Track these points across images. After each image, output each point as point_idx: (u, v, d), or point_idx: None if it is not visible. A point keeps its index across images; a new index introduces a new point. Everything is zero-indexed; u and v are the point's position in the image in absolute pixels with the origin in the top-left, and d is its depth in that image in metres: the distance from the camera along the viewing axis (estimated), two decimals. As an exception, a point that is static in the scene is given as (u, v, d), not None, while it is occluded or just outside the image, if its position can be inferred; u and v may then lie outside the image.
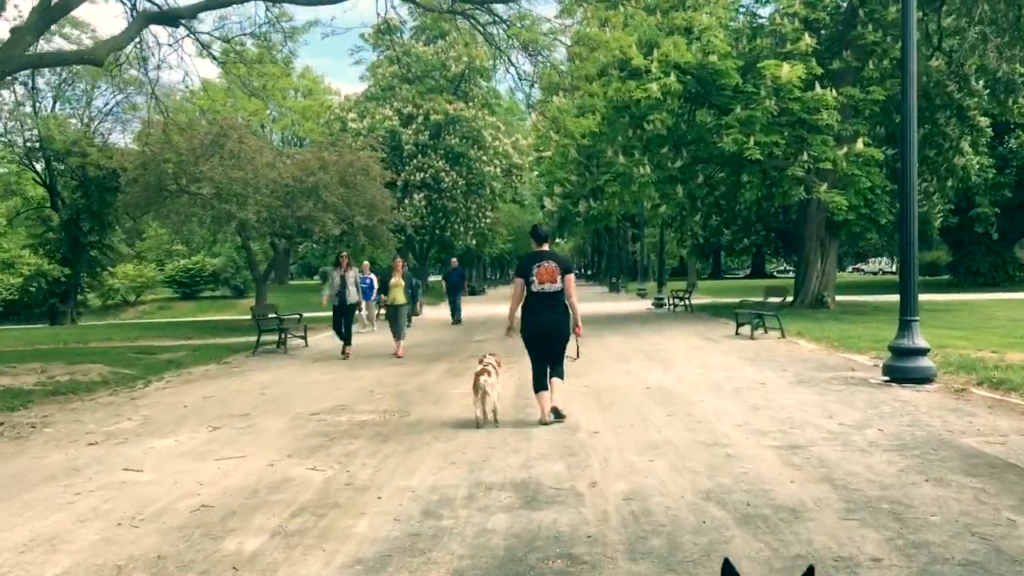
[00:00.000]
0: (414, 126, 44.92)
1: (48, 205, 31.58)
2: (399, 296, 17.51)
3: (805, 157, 21.47)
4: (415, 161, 44.31)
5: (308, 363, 15.45)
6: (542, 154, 24.43)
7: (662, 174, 22.55)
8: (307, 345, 18.61)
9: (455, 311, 26.15)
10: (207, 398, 11.22)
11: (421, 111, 44.97)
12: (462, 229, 46.56)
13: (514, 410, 9.55)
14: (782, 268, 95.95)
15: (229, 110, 55.39)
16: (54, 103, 31.17)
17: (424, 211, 44.87)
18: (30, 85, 30.45)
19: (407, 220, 43.12)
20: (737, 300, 34.11)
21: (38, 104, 30.98)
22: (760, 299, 20.50)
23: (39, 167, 30.93)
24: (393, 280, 17.80)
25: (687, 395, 10.11)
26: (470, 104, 45.75)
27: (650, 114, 21.52)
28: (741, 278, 79.26)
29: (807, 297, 24.71)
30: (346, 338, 16.99)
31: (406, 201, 43.99)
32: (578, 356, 10.86)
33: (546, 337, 8.46)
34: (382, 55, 46.71)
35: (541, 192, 51.26)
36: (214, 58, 21.31)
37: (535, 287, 8.32)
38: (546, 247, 8.60)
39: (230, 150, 25.39)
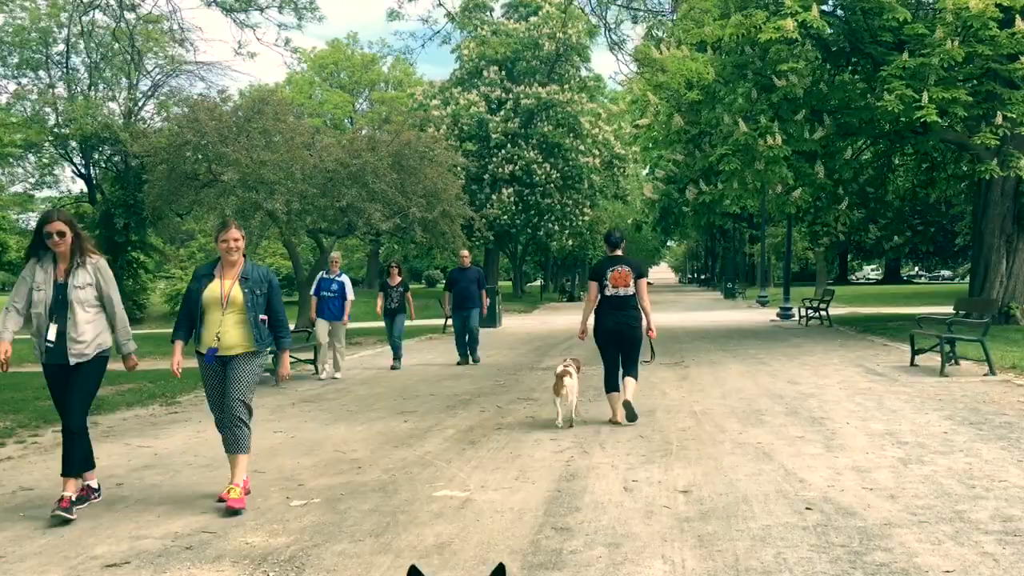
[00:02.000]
0: (503, 112, 40.28)
1: (87, 199, 28.34)
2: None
3: (999, 120, 15.69)
4: (503, 152, 39.64)
5: (282, 406, 10.81)
6: (637, 123, 19.16)
7: (796, 147, 17.08)
8: (317, 372, 14.06)
9: (464, 345, 15.55)
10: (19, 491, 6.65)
11: (510, 96, 40.28)
12: (556, 228, 41.58)
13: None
14: (913, 273, 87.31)
15: (315, 105, 52.21)
16: (91, 86, 27.88)
17: (514, 208, 40.14)
18: (64, 65, 27.17)
19: (494, 217, 38.63)
20: (882, 311, 28.28)
21: (74, 87, 27.70)
22: (928, 312, 14.82)
23: (77, 158, 27.69)
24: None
25: (907, 540, 4.80)
26: (565, 87, 40.74)
27: (782, 65, 16.13)
28: (873, 284, 71.51)
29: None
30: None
31: (493, 197, 39.40)
32: (653, 357, 10.05)
33: (619, 339, 8.65)
34: (470, 35, 42.25)
35: (640, 177, 45.79)
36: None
37: (609, 291, 8.54)
38: (619, 252, 8.73)
39: (262, 129, 21.20)
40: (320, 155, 21.08)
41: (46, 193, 29.17)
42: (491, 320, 26.27)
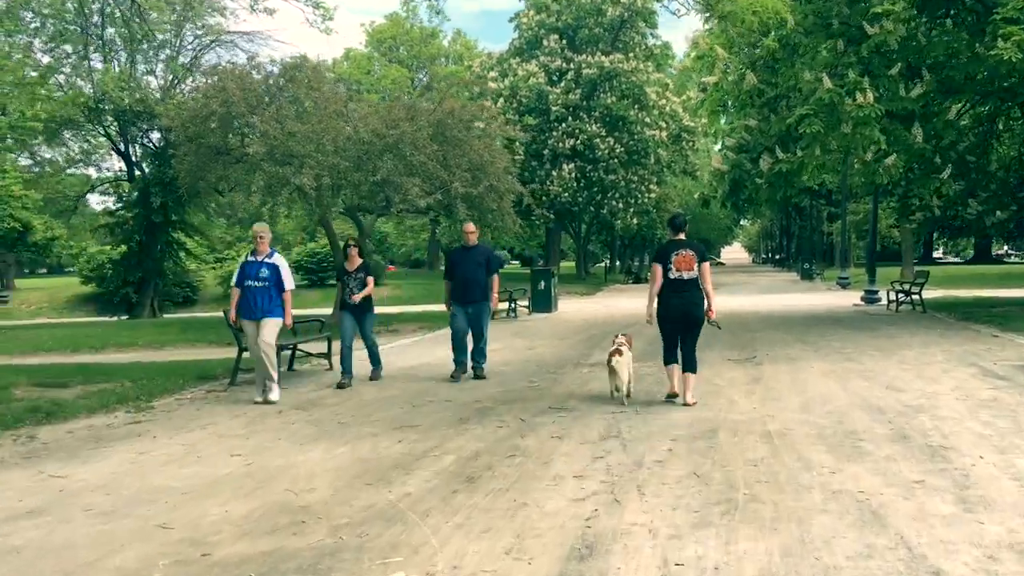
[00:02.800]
0: (563, 84, 38.09)
1: (125, 177, 27.20)
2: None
3: None
4: (564, 125, 37.49)
5: (265, 415, 9.05)
6: (704, 82, 16.90)
7: (890, 106, 14.68)
8: (331, 368, 12.33)
9: (464, 350, 11.41)
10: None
11: (571, 66, 38.05)
12: (621, 206, 39.29)
13: None
14: (1002, 252, 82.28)
15: (373, 81, 50.68)
16: (128, 58, 26.65)
17: (575, 184, 38.00)
18: (99, 36, 25.91)
19: (554, 195, 36.62)
20: (980, 294, 25.38)
21: (111, 58, 26.50)
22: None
23: (116, 135, 26.51)
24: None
25: None
26: (630, 56, 38.31)
27: (875, 7, 13.76)
28: (962, 264, 67.33)
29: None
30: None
31: (554, 173, 37.33)
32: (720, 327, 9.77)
33: (682, 321, 8.68)
34: (530, 2, 40.09)
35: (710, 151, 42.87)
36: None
37: (672, 274, 8.57)
38: (683, 236, 8.85)
39: (293, 97, 19.57)
40: (355, 125, 19.35)
41: (85, 172, 28.17)
42: (545, 304, 24.37)
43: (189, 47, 27.76)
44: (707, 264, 8.73)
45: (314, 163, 18.08)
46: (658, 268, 8.69)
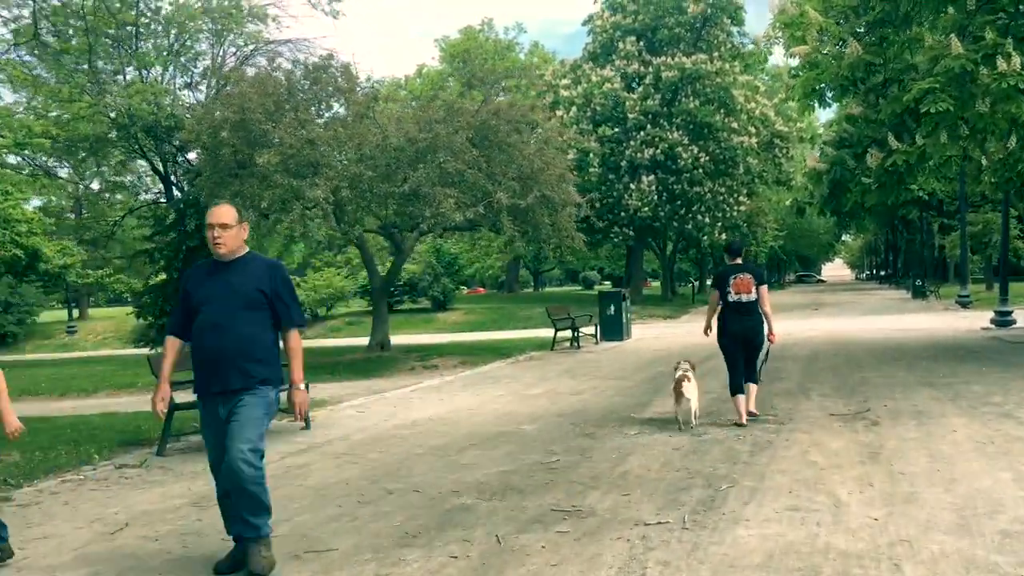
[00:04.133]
0: (641, 89, 35.01)
1: (164, 199, 25.37)
2: None
3: None
4: (643, 134, 34.35)
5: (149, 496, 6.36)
6: (793, 54, 13.64)
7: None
8: (307, 427, 9.62)
9: (227, 503, 4.86)
10: None
11: (650, 69, 34.94)
12: (707, 220, 35.82)
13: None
14: None
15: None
16: (164, 69, 24.88)
17: (656, 198, 34.76)
18: (133, 47, 24.30)
19: (634, 209, 33.52)
20: None
21: (144, 72, 24.77)
22: None
23: (152, 154, 24.73)
24: None
25: None
26: (714, 56, 34.95)
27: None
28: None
29: None
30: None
31: (632, 186, 34.23)
32: (767, 358, 9.41)
33: (742, 344, 8.75)
34: (603, 3, 37.18)
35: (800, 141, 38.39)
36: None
37: (731, 297, 8.70)
38: (739, 260, 8.97)
39: (315, 100, 17.19)
40: (384, 130, 16.78)
41: (119, 195, 26.34)
42: (615, 332, 21.32)
43: (232, 57, 25.86)
44: (765, 287, 8.84)
45: (334, 173, 15.58)
46: (716, 294, 8.92)
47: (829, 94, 15.40)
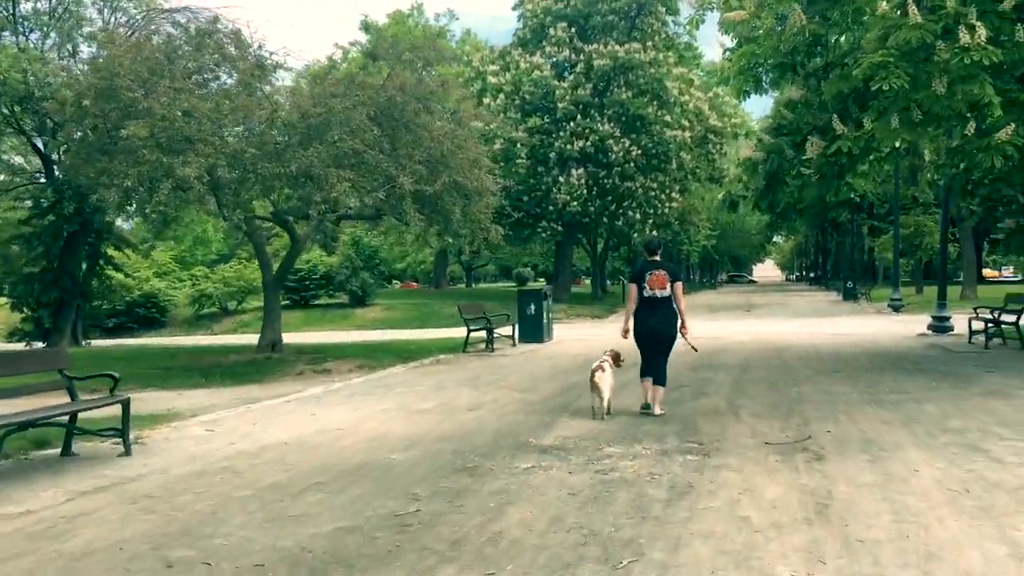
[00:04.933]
0: (571, 77, 33.46)
1: (43, 177, 22.89)
2: None
3: None
4: (572, 125, 32.82)
5: None
6: (727, 19, 12.13)
7: (1007, 56, 9.89)
8: (127, 453, 7.73)
9: None
10: None
11: (581, 57, 33.41)
12: (639, 217, 34.46)
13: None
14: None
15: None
16: (45, 35, 22.40)
17: (586, 192, 33.26)
18: (8, 10, 21.89)
19: (563, 203, 31.95)
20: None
21: (22, 38, 22.33)
22: None
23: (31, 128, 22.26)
24: None
25: None
26: (648, 44, 33.58)
27: None
28: (1017, 282, 61.53)
29: None
30: None
31: (561, 179, 32.69)
32: (695, 349, 10.03)
33: (655, 337, 9.05)
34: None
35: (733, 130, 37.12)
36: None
37: (647, 292, 8.96)
38: (657, 257, 9.21)
39: (198, 67, 15.19)
40: (273, 103, 14.88)
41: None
42: (534, 333, 19.70)
43: (123, 27, 23.47)
44: (680, 284, 9.06)
45: (211, 150, 13.61)
46: (634, 288, 9.14)
47: (766, 78, 14.02)
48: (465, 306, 19.01)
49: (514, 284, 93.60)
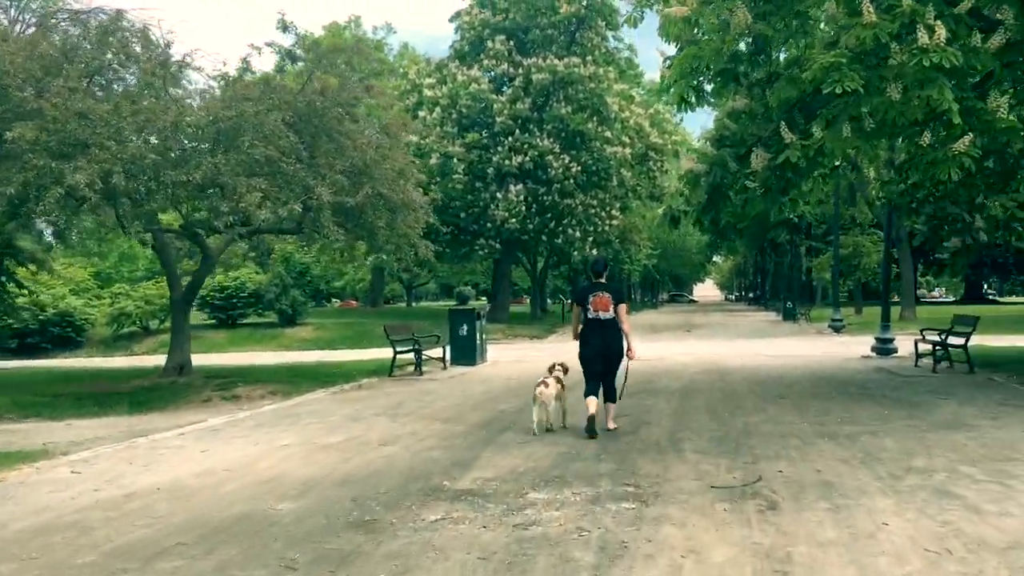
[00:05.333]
0: (510, 91, 32.64)
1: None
2: None
3: None
4: (511, 140, 31.97)
5: None
6: (667, 15, 11.30)
7: (966, 60, 9.19)
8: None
9: None
10: None
11: (520, 71, 32.63)
12: (578, 235, 33.70)
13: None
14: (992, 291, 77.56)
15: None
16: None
17: (525, 209, 32.40)
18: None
19: (501, 220, 31.04)
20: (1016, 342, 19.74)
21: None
22: None
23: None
24: None
25: None
26: (588, 59, 32.92)
27: None
28: (952, 303, 62.35)
29: None
30: None
31: (499, 195, 31.80)
32: (625, 380, 9.64)
33: (600, 359, 9.01)
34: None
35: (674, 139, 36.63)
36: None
37: (591, 314, 8.97)
38: (602, 279, 9.17)
39: (99, 66, 13.95)
40: (180, 105, 13.67)
41: None
42: (467, 355, 18.70)
43: (31, 27, 21.94)
44: (624, 306, 9.08)
45: (106, 155, 12.35)
46: (578, 309, 9.26)
47: (709, 87, 13.27)
48: (392, 326, 17.89)
49: (455, 303, 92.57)
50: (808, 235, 60.08)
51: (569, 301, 60.14)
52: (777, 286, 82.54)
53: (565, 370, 9.50)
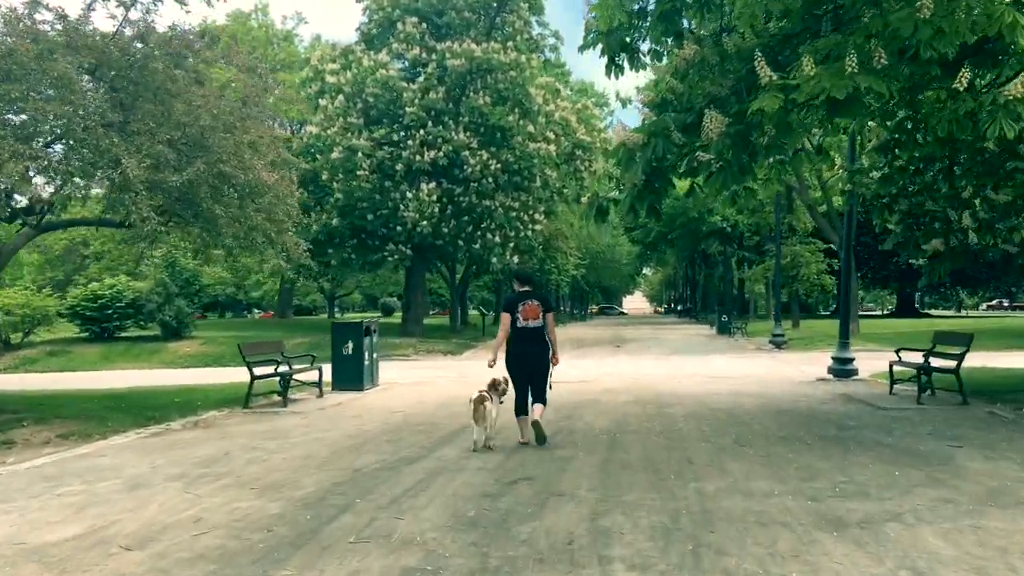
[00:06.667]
0: (423, 79, 29.29)
1: None
2: None
3: None
4: (423, 133, 28.59)
5: None
6: None
7: None
8: None
9: None
10: None
11: (434, 56, 29.32)
12: (498, 240, 30.46)
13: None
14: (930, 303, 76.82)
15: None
16: None
17: (438, 211, 29.06)
18: None
19: (411, 223, 27.71)
20: (995, 361, 17.03)
21: None
22: None
23: None
24: None
25: None
26: (509, 47, 29.77)
27: None
28: (884, 316, 60.92)
29: None
30: None
31: (409, 194, 28.43)
32: (551, 386, 9.24)
33: (528, 367, 8.95)
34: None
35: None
36: None
37: (520, 323, 8.90)
38: (528, 288, 9.14)
39: None
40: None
41: None
42: (352, 378, 15.40)
43: None
44: (551, 315, 9.06)
45: None
46: (507, 317, 8.99)
47: (644, 45, 10.25)
48: (254, 344, 14.39)
49: (379, 314, 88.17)
50: (740, 245, 58.11)
51: (490, 313, 56.99)
52: (708, 298, 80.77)
53: (508, 382, 9.02)
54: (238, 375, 19.96)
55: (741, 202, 11.90)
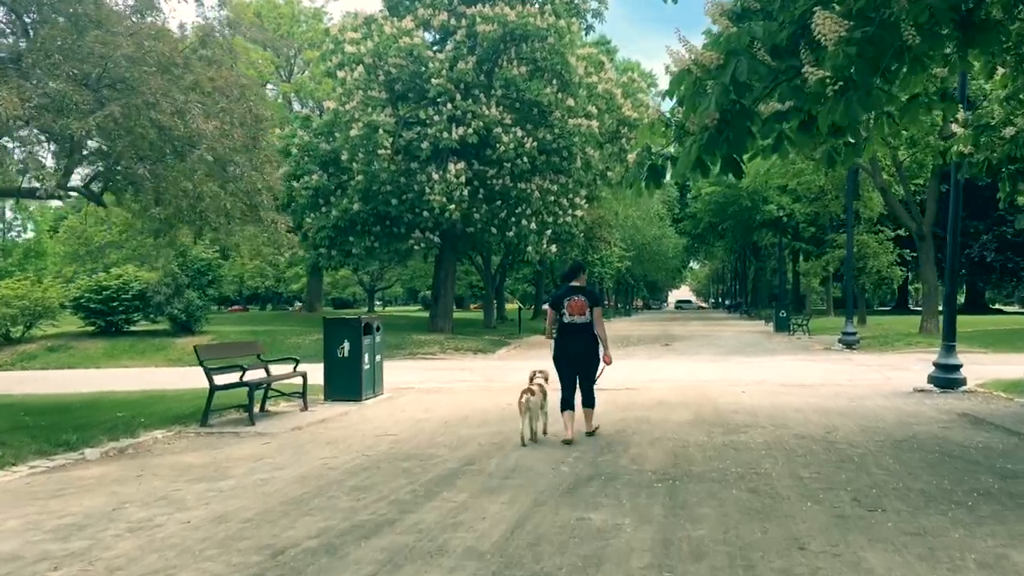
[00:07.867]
0: (450, 47, 26.45)
1: None
2: None
3: None
4: (450, 108, 25.75)
5: None
6: None
7: None
8: None
9: None
10: None
11: (463, 22, 26.47)
12: (533, 226, 27.52)
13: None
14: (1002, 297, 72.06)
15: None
16: None
17: (467, 195, 26.21)
18: None
19: (439, 208, 24.96)
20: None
21: None
22: None
23: None
24: None
25: None
26: (547, 9, 26.79)
27: None
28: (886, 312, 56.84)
29: None
30: None
31: (435, 175, 25.63)
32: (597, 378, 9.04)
33: (575, 364, 8.86)
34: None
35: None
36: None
37: (566, 318, 8.82)
38: (576, 283, 8.98)
39: None
40: None
41: None
42: (348, 386, 12.70)
43: None
44: (599, 309, 8.90)
45: None
46: (552, 312, 8.96)
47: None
48: (217, 347, 11.69)
49: (419, 308, 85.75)
50: (796, 236, 54.48)
51: (528, 306, 54.13)
52: (758, 293, 77.05)
53: (546, 378, 8.94)
54: (237, 376, 17.40)
55: (840, 162, 8.84)
